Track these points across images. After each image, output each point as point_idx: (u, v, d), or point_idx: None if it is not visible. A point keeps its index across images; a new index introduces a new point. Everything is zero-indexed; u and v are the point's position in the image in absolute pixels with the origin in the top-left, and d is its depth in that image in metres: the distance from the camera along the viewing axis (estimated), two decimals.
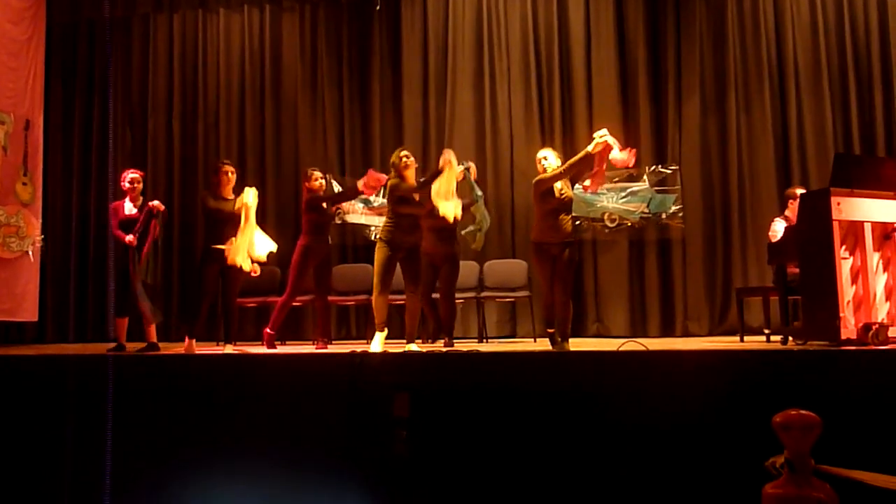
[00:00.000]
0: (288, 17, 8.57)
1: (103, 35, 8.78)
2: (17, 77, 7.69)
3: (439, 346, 5.96)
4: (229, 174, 5.80)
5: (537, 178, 5.33)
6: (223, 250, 5.57)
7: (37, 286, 7.69)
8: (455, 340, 6.09)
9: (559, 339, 5.23)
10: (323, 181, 6.29)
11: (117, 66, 8.75)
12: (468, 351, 4.76)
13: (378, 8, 8.21)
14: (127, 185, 5.91)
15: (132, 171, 6.05)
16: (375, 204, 7.94)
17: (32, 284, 7.62)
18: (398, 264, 5.58)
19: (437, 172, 5.48)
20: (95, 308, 8.24)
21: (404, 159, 5.60)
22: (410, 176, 5.60)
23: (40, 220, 7.78)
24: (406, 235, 5.52)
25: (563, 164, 5.29)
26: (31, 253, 7.54)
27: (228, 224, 5.65)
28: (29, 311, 7.58)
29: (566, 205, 5.28)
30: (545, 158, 5.35)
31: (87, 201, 8.52)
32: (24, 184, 7.58)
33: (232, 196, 5.79)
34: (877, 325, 4.45)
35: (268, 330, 6.09)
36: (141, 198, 5.92)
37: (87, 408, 4.51)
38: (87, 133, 8.71)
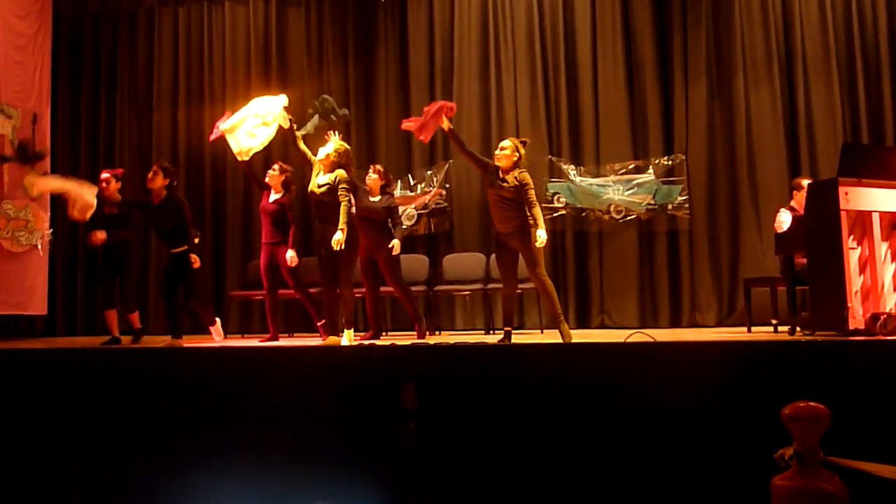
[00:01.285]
0: (293, 10, 8.55)
1: (109, 28, 8.80)
2: (24, 71, 7.70)
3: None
4: (150, 174, 5.72)
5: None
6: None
7: (46, 279, 7.73)
8: (461, 332, 6.14)
9: (561, 323, 5.12)
10: (274, 171, 6.23)
11: (123, 60, 8.77)
12: (476, 343, 4.77)
13: (383, 0, 8.20)
14: (103, 184, 6.01)
15: (105, 170, 6.23)
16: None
17: (41, 278, 7.66)
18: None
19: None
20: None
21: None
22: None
23: (49, 214, 7.81)
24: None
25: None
26: (40, 247, 7.57)
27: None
28: (38, 305, 7.63)
29: (512, 193, 5.08)
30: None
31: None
32: None
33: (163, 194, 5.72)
34: (885, 315, 4.45)
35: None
36: (119, 196, 6.05)
37: (95, 400, 4.54)
38: (94, 126, 8.73)
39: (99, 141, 8.69)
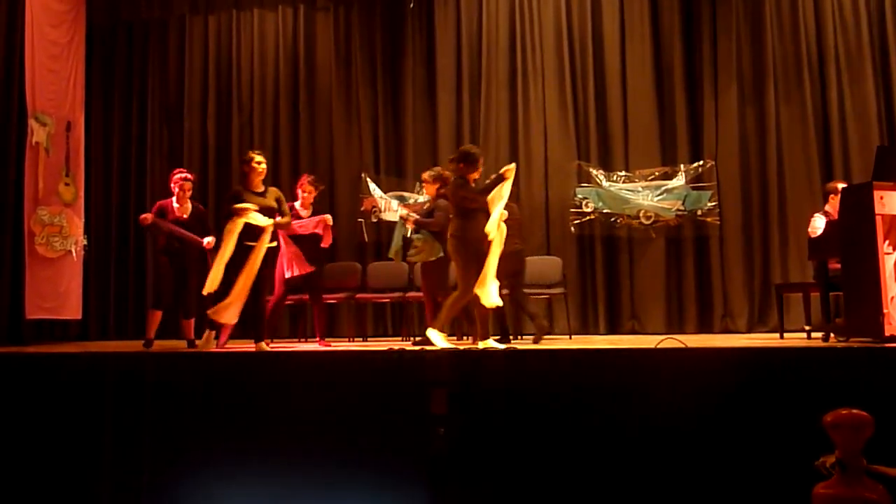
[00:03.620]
0: (322, 17, 8.62)
1: (141, 37, 8.92)
2: (59, 79, 7.81)
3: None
4: (254, 164, 5.56)
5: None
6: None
7: (80, 284, 7.82)
8: (491, 337, 6.13)
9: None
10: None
11: (154, 67, 8.88)
12: (506, 348, 4.77)
13: (412, 6, 8.23)
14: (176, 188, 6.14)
15: (183, 172, 6.27)
16: (411, 201, 7.96)
17: (76, 283, 7.76)
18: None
19: (501, 179, 5.30)
20: (136, 305, 8.39)
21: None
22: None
23: (83, 220, 7.91)
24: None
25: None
26: (74, 252, 7.68)
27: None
28: (72, 309, 7.71)
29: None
30: None
31: (126, 200, 8.67)
32: (67, 184, 7.70)
33: (262, 188, 5.61)
34: None
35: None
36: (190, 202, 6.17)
37: (126, 403, 4.60)
38: (126, 133, 8.85)
39: (131, 148, 8.80)
